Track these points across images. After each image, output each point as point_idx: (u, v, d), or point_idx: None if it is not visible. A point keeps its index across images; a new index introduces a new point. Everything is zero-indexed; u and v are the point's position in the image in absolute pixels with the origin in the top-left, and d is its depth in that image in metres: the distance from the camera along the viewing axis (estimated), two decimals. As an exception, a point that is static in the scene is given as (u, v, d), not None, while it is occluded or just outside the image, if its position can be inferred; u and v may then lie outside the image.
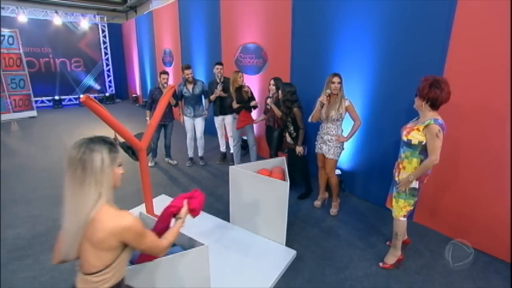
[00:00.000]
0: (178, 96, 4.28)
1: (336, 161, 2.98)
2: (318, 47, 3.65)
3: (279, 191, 2.49)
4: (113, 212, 1.03)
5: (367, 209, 3.32)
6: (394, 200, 2.28)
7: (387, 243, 2.65)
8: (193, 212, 1.48)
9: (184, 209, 1.44)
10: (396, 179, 2.25)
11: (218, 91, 4.15)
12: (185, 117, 4.40)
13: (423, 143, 2.07)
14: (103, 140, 1.06)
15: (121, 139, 2.37)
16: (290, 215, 2.71)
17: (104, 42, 10.38)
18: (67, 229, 1.02)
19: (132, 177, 4.00)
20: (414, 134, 2.09)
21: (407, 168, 2.18)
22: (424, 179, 2.23)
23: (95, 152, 1.02)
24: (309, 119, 2.99)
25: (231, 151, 4.74)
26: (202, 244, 1.67)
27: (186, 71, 4.13)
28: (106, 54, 10.49)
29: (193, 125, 4.44)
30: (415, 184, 2.17)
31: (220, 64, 4.24)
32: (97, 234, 1.00)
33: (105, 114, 1.97)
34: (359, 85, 3.29)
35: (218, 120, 4.49)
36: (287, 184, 2.45)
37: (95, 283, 1.06)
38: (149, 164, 4.51)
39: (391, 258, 2.42)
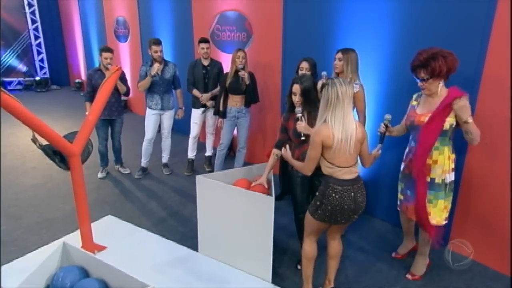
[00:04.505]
0: (142, 78, 4.17)
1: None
2: (319, 17, 3.69)
3: (262, 209, 2.51)
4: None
5: (386, 232, 3.37)
6: (430, 205, 2.45)
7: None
8: None
9: None
10: (428, 178, 2.40)
11: None
12: (148, 110, 4.36)
13: (454, 125, 2.27)
14: None
15: (45, 141, 2.35)
16: (279, 241, 2.73)
17: (31, 5, 10.19)
18: (348, 137, 2.09)
19: (68, 191, 3.95)
20: None
21: (439, 161, 2.37)
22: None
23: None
24: None
25: (207, 153, 4.76)
26: (147, 286, 1.66)
27: (154, 47, 4.10)
28: (34, 22, 10.30)
29: (158, 121, 4.41)
30: (453, 176, 2.40)
31: (206, 41, 4.24)
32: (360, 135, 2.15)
33: (15, 105, 1.95)
34: (370, 70, 3.34)
35: (196, 113, 4.47)
36: (272, 199, 2.47)
37: (355, 168, 2.20)
38: (99, 175, 4.48)
39: (421, 267, 2.68)
